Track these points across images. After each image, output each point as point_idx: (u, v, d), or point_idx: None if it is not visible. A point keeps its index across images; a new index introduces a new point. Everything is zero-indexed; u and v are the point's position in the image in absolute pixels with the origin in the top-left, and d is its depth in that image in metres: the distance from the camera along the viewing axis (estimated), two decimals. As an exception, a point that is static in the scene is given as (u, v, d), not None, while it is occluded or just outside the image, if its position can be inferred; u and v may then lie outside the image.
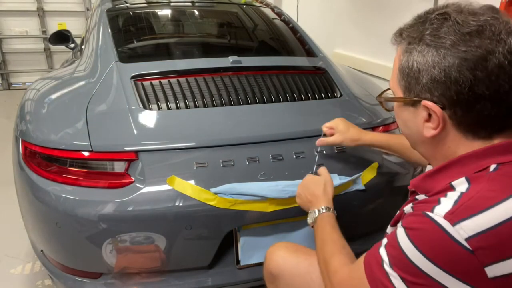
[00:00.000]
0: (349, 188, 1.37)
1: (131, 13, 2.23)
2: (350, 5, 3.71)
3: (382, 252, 0.73)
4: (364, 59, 3.44)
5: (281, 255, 1.10)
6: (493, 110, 0.67)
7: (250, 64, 1.69)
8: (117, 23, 2.06)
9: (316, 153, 1.37)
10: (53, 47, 5.09)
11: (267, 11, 2.44)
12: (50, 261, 1.43)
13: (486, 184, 0.66)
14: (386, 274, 0.70)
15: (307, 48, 2.02)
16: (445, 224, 0.64)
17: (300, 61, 1.90)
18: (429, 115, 0.72)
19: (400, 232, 0.70)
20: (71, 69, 1.87)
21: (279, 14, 2.38)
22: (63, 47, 2.93)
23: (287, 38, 2.18)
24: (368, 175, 1.41)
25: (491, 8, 0.70)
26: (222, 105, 1.49)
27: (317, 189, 1.14)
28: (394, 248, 0.70)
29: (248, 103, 1.52)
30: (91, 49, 1.82)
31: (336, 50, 3.93)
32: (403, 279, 0.68)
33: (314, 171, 1.32)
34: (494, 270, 0.62)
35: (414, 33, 0.72)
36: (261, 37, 2.30)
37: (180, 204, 1.24)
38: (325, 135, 1.34)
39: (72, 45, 2.87)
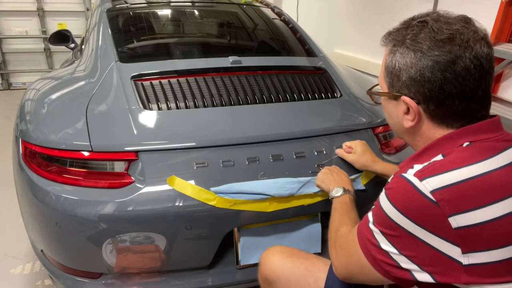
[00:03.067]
0: (349, 188, 1.37)
1: (131, 13, 2.23)
2: (350, 5, 3.71)
3: (369, 214, 0.84)
4: (364, 59, 3.44)
5: (276, 259, 1.10)
6: (461, 106, 0.78)
7: (250, 64, 1.69)
8: (117, 23, 2.06)
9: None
10: (53, 47, 5.08)
11: (267, 11, 2.44)
12: (50, 261, 1.43)
13: (456, 154, 0.77)
14: (371, 231, 0.82)
15: (307, 48, 2.02)
16: (414, 180, 0.74)
17: (300, 61, 1.90)
18: (408, 109, 0.83)
19: (382, 193, 0.81)
20: (71, 69, 1.87)
21: (279, 14, 2.38)
22: (63, 47, 2.92)
23: (287, 38, 2.18)
24: (368, 175, 1.41)
25: (463, 19, 0.80)
26: (222, 105, 1.49)
27: (343, 174, 1.28)
28: (377, 208, 0.81)
29: (248, 103, 1.52)
30: (91, 49, 1.82)
31: (336, 50, 3.93)
32: (383, 234, 0.79)
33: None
34: (457, 221, 0.70)
35: (398, 37, 0.82)
36: (261, 37, 2.30)
37: (180, 204, 1.24)
38: None
39: (72, 45, 2.87)
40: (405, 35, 0.81)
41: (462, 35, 0.76)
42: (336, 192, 1.18)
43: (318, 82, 1.71)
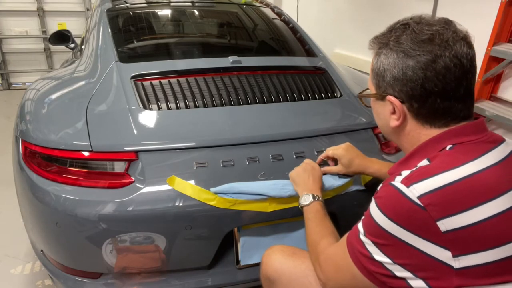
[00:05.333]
0: (349, 188, 1.37)
1: (131, 13, 2.23)
2: (350, 5, 3.71)
3: (359, 225, 0.85)
4: (364, 59, 3.44)
5: (278, 259, 1.10)
6: (443, 104, 0.81)
7: (250, 64, 1.69)
8: (117, 23, 2.06)
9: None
10: (53, 47, 5.09)
11: (267, 11, 2.44)
12: (50, 261, 1.43)
13: (440, 158, 0.79)
14: (363, 243, 0.82)
15: (307, 48, 2.02)
16: (402, 187, 0.75)
17: (300, 61, 1.90)
18: (394, 109, 0.86)
19: (372, 203, 0.82)
20: (71, 69, 1.87)
21: (279, 14, 2.38)
22: (63, 47, 2.93)
23: (287, 38, 2.18)
24: (368, 175, 1.41)
25: (444, 21, 0.83)
26: (222, 105, 1.49)
27: (316, 178, 1.23)
28: (367, 218, 0.82)
29: (248, 103, 1.52)
30: (91, 49, 1.82)
31: (336, 50, 3.93)
32: (375, 244, 0.79)
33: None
34: (445, 224, 0.71)
35: (383, 40, 0.86)
36: (261, 37, 2.30)
37: (180, 204, 1.24)
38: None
39: (72, 45, 2.87)
40: (389, 37, 0.84)
41: (441, 35, 0.79)
42: (305, 200, 1.16)
43: (318, 82, 1.71)
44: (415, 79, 0.80)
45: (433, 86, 0.79)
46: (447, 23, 0.82)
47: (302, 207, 1.16)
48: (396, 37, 0.83)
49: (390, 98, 0.84)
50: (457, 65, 0.78)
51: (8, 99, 4.81)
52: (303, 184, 1.21)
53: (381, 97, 0.88)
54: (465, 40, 0.80)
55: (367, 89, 0.96)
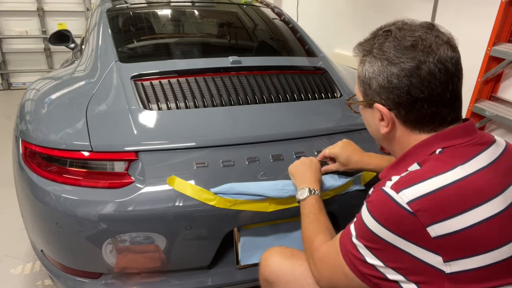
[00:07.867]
0: (349, 188, 1.37)
1: (131, 13, 2.23)
2: (350, 5, 3.72)
3: (352, 227, 0.85)
4: (364, 59, 3.43)
5: (276, 260, 1.10)
6: (430, 109, 0.80)
7: (250, 64, 1.69)
8: (117, 23, 2.06)
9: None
10: (53, 47, 5.09)
11: (267, 11, 2.44)
12: (50, 261, 1.43)
13: (430, 163, 0.79)
14: (355, 246, 0.82)
15: (307, 48, 2.02)
16: (391, 193, 0.75)
17: (300, 61, 1.90)
18: (382, 116, 0.85)
19: (363, 207, 0.82)
20: (71, 69, 1.87)
21: (279, 14, 2.39)
22: (63, 47, 2.93)
23: (287, 38, 2.18)
24: (368, 175, 1.41)
25: (426, 25, 0.82)
26: (222, 105, 1.49)
27: (313, 171, 1.23)
28: (358, 221, 0.82)
29: (248, 103, 1.52)
30: (91, 49, 1.82)
31: (336, 50, 3.93)
32: (367, 247, 0.79)
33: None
34: (435, 230, 0.71)
35: (367, 47, 0.86)
36: (261, 37, 2.30)
37: (180, 204, 1.24)
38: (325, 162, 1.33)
39: (72, 45, 2.87)
40: (372, 44, 0.84)
41: (424, 41, 0.79)
42: (302, 194, 1.15)
43: (318, 82, 1.71)
44: (401, 87, 0.79)
45: (419, 93, 0.78)
46: (430, 28, 0.81)
47: (298, 202, 1.16)
48: (379, 44, 0.82)
49: (378, 105, 0.84)
50: (442, 70, 0.78)
51: (8, 99, 4.81)
52: (301, 177, 1.21)
53: (368, 104, 0.88)
54: (449, 44, 0.80)
55: (355, 95, 0.96)
